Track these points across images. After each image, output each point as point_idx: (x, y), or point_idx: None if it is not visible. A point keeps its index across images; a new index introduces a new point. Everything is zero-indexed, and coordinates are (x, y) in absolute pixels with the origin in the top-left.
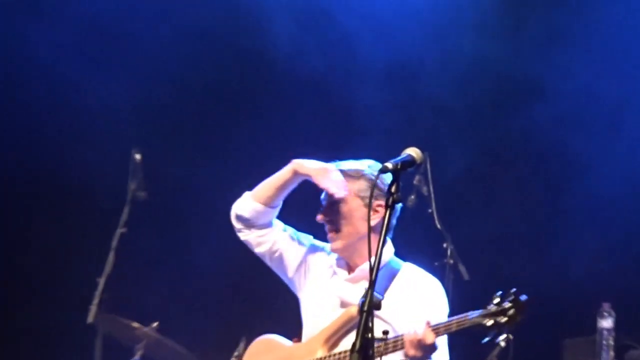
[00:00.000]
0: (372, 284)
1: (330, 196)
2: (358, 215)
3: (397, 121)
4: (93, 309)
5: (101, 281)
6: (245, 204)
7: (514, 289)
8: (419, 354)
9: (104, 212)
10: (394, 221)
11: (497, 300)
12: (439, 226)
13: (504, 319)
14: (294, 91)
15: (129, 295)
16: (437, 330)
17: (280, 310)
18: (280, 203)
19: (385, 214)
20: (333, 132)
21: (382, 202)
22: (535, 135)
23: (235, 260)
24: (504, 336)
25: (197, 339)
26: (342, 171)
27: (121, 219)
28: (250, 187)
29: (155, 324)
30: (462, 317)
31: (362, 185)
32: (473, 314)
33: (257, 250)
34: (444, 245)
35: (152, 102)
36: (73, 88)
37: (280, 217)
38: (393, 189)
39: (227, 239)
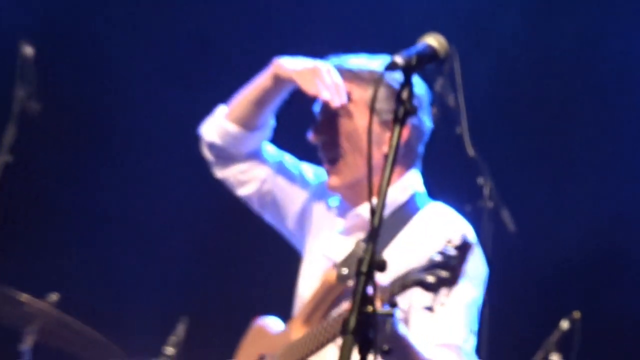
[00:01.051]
0: (373, 233)
1: (326, 107)
2: (373, 140)
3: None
4: None
5: None
6: (216, 125)
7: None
8: None
9: None
10: (419, 147)
11: (447, 246)
12: (471, 153)
13: (445, 273)
14: None
15: (15, 255)
16: (380, 296)
17: (243, 283)
18: (269, 122)
19: (393, 132)
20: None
21: None
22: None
23: (179, 203)
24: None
25: (116, 318)
26: (346, 70)
27: (4, 142)
28: (207, 97)
29: (54, 297)
30: (404, 276)
31: (383, 92)
32: (415, 270)
33: (241, 192)
34: (479, 181)
35: None
36: None
37: (274, 140)
38: (404, 95)
39: (165, 170)
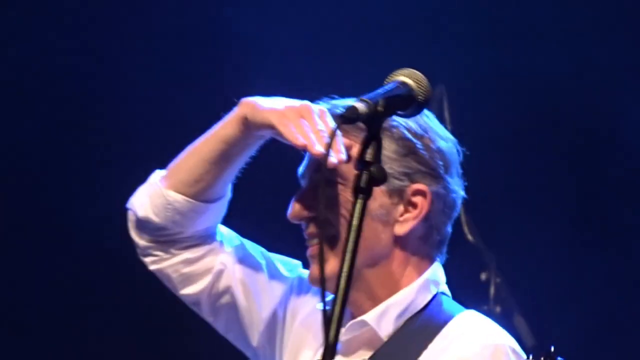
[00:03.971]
0: (329, 350)
1: (315, 167)
2: (377, 213)
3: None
4: None
5: None
6: (152, 196)
7: (551, 349)
8: None
9: None
10: (446, 227)
11: None
12: (469, 237)
13: None
14: None
15: None
16: None
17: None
18: (226, 191)
19: (353, 207)
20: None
21: (423, 186)
22: None
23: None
24: None
25: None
26: (341, 118)
27: None
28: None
29: None
30: None
31: (392, 148)
32: None
33: (185, 291)
34: (482, 276)
35: None
36: None
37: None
38: (368, 155)
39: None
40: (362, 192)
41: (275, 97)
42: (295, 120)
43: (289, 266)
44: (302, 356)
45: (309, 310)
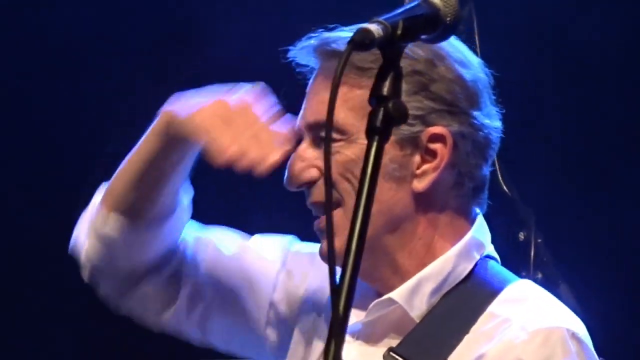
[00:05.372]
0: (335, 330)
1: (310, 125)
2: (388, 170)
3: None
4: None
5: None
6: (95, 225)
7: None
8: None
9: None
10: (480, 169)
11: None
12: (505, 189)
13: None
14: None
15: None
16: None
17: None
18: (178, 202)
19: (368, 151)
20: None
21: (441, 129)
22: None
23: None
24: None
25: None
26: (329, 51)
27: None
28: None
29: None
30: None
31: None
32: None
33: (160, 322)
34: (520, 235)
35: None
36: None
37: None
38: (385, 89)
39: None
40: (377, 132)
41: (207, 91)
42: (217, 130)
43: (281, 244)
44: (317, 341)
45: (318, 289)
